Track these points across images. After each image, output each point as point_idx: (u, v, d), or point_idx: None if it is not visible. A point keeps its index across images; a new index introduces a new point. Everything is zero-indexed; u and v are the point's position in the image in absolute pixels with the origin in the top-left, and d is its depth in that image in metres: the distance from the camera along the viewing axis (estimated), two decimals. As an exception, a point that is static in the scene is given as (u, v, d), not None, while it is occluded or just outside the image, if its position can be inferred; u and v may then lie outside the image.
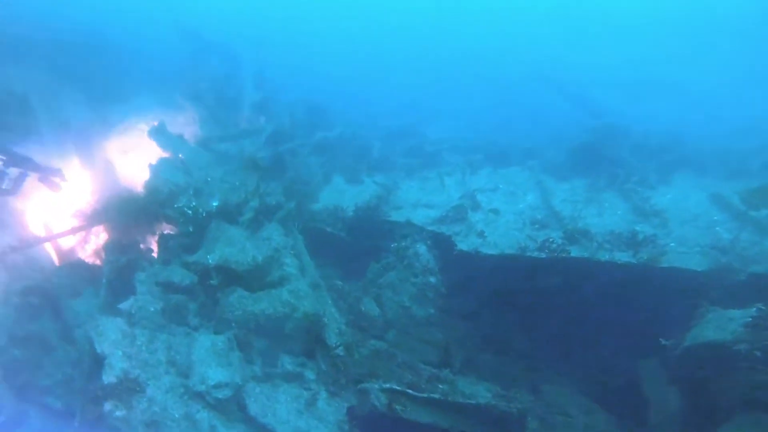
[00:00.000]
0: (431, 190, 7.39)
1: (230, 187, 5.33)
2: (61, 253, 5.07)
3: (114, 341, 3.26)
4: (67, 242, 5.13)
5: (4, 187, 4.49)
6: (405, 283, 5.15)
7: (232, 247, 4.41)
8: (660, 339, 3.90)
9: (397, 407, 3.53)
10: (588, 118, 12.08)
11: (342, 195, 7.27)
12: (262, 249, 4.51)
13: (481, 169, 8.21)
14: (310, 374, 4.03)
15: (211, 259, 4.17)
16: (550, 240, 4.85)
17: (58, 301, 4.51)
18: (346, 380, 4.17)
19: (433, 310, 4.90)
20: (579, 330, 5.20)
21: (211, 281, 3.97)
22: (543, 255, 4.68)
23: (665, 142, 8.80)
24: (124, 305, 3.69)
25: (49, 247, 5.13)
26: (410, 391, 3.62)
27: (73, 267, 4.80)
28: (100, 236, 5.17)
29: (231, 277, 4.18)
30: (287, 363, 4.01)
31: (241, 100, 9.79)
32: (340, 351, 4.27)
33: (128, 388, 2.86)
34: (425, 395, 3.73)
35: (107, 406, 2.73)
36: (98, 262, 5.08)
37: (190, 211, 4.99)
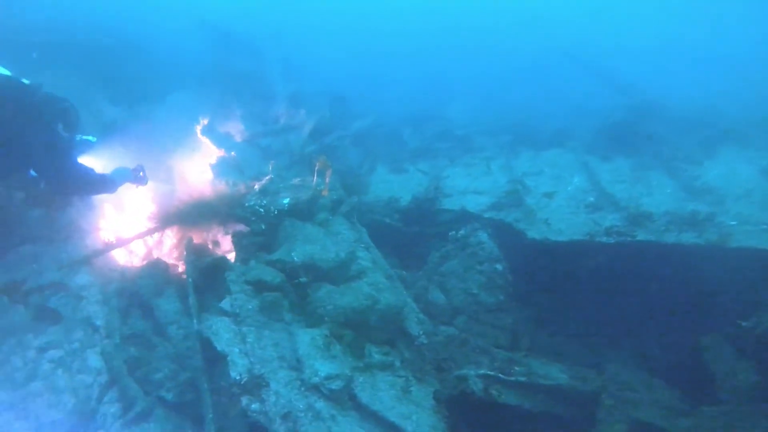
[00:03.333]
0: (477, 176, 7.47)
1: (296, 185, 5.48)
2: (139, 255, 5.29)
3: (228, 340, 3.46)
4: (144, 244, 5.35)
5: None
6: (470, 271, 5.30)
7: (312, 244, 4.58)
8: (738, 321, 4.02)
9: (493, 392, 3.72)
10: (618, 94, 11.98)
11: (389, 185, 7.40)
12: (341, 245, 4.69)
13: (522, 152, 8.26)
14: (396, 362, 4.23)
15: (297, 257, 4.35)
16: (615, 225, 4.97)
17: (145, 300, 4.73)
18: (429, 367, 4.39)
19: (503, 296, 5.06)
20: (642, 310, 5.34)
21: (301, 279, 4.16)
22: (611, 240, 4.80)
23: (704, 115, 8.74)
24: (224, 304, 3.89)
25: (126, 250, 5.36)
26: (501, 375, 3.81)
27: (153, 268, 5.01)
28: (173, 237, 5.37)
29: (317, 273, 4.36)
30: (374, 353, 4.21)
31: (275, 93, 9.88)
32: (423, 339, 4.47)
33: (256, 384, 3.07)
34: (513, 379, 3.92)
35: (244, 400, 2.94)
36: (176, 262, 5.28)
37: (262, 210, 5.17)
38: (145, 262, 5.16)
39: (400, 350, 4.49)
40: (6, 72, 4.20)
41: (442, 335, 4.69)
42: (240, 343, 3.52)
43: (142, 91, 9.40)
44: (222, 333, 3.56)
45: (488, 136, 10.93)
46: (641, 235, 4.73)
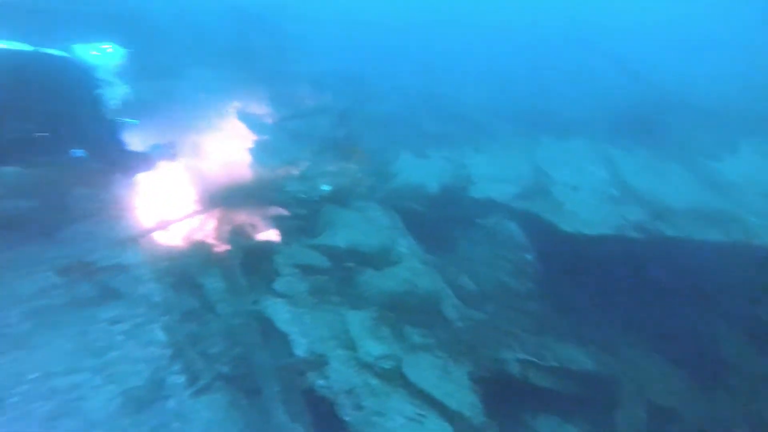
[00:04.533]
0: (500, 165, 7.67)
1: (333, 171, 5.69)
2: (183, 236, 5.53)
3: (287, 320, 3.74)
4: (186, 224, 5.58)
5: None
6: (500, 260, 5.55)
7: (354, 229, 4.82)
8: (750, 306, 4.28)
9: (530, 375, 4.02)
10: (635, 83, 12.02)
11: (414, 170, 7.58)
12: (382, 231, 4.93)
13: (544, 141, 8.42)
14: (434, 344, 4.53)
15: (341, 243, 4.59)
16: (642, 220, 5.20)
17: (193, 278, 4.98)
18: (464, 348, 4.69)
19: (532, 284, 5.33)
20: (660, 301, 5.61)
21: (347, 264, 4.41)
22: (641, 236, 5.04)
23: (725, 107, 8.87)
24: (276, 286, 4.15)
25: (170, 231, 5.59)
26: (536, 360, 4.10)
27: (198, 248, 5.24)
28: (215, 219, 5.60)
29: (361, 258, 4.61)
30: (414, 335, 4.50)
31: (298, 74, 9.95)
32: (459, 323, 4.76)
33: (318, 362, 3.35)
34: (546, 363, 4.22)
35: (311, 376, 3.22)
36: (219, 242, 5.52)
37: (303, 195, 5.39)
38: (189, 242, 5.40)
39: (437, 332, 4.78)
40: (62, 53, 4.36)
41: (474, 320, 4.97)
42: (298, 323, 3.79)
43: (163, 66, 9.46)
44: (280, 313, 3.83)
45: (505, 122, 11.07)
46: (669, 232, 4.96)
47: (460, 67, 16.78)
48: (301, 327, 3.77)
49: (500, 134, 9.51)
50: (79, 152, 4.81)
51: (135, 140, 5.53)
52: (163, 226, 5.48)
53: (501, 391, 4.37)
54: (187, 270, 5.07)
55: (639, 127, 8.66)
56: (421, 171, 7.58)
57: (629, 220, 5.33)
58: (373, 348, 3.79)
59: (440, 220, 6.49)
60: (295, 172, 5.63)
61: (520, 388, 4.32)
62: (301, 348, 3.52)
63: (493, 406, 4.18)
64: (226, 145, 7.03)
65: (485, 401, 4.15)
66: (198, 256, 5.19)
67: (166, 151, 5.41)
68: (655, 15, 18.33)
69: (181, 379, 3.80)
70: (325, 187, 5.23)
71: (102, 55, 4.81)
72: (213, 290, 4.89)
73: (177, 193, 5.94)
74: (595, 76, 13.23)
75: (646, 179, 6.69)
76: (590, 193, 6.46)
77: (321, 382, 3.25)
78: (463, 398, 3.94)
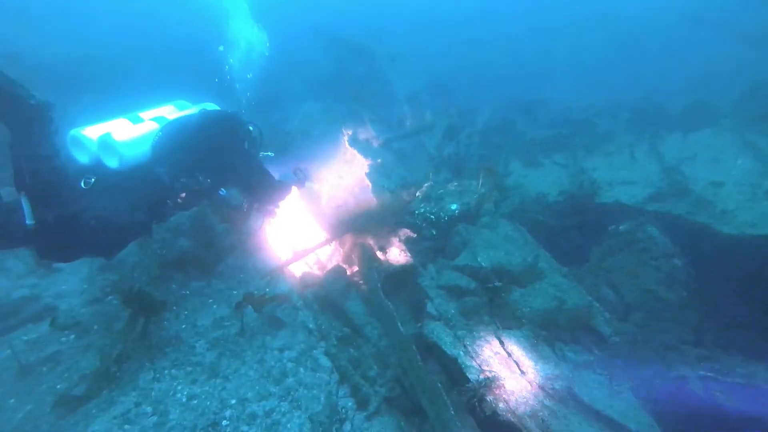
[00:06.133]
0: (621, 165, 7.25)
1: (457, 190, 5.73)
2: (320, 263, 5.83)
3: (451, 343, 3.79)
4: (321, 252, 5.87)
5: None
6: (644, 266, 5.22)
7: (495, 249, 4.80)
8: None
9: (717, 394, 3.72)
10: (755, 55, 10.84)
11: (528, 179, 7.41)
12: (524, 249, 4.87)
13: (666, 135, 7.83)
14: (591, 360, 4.34)
15: (484, 262, 4.59)
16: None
17: (337, 304, 5.21)
18: (624, 365, 4.45)
19: (686, 293, 4.94)
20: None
21: (496, 284, 4.39)
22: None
23: None
24: (429, 309, 4.23)
25: (307, 258, 5.90)
26: (725, 378, 3.78)
27: (336, 274, 5.48)
28: (346, 245, 5.84)
29: (507, 277, 4.57)
30: (566, 351, 4.35)
31: (395, 94, 10.21)
32: (615, 339, 4.54)
33: (494, 385, 3.36)
34: (731, 380, 3.87)
35: (490, 400, 3.24)
36: (353, 267, 5.75)
37: (432, 216, 5.48)
38: (327, 269, 5.71)
39: (589, 348, 4.59)
40: (214, 107, 4.85)
41: (628, 333, 4.71)
42: (460, 346, 3.84)
43: (265, 99, 10.15)
44: (443, 337, 3.90)
45: (608, 118, 10.49)
46: None
47: (549, 70, 16.23)
48: (464, 350, 3.81)
49: (610, 133, 9.02)
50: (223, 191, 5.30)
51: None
52: (304, 254, 5.83)
53: (681, 410, 4.08)
54: (328, 296, 5.34)
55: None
56: (534, 179, 7.39)
57: (799, 216, 4.76)
58: (540, 368, 3.73)
59: (569, 230, 6.26)
60: (419, 194, 5.73)
61: (702, 409, 4.00)
62: (475, 371, 3.55)
63: (672, 427, 3.92)
64: (344, 170, 7.38)
65: (661, 421, 3.91)
66: (336, 282, 5.44)
67: (295, 177, 5.76)
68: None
69: (349, 402, 4.00)
70: (454, 206, 5.27)
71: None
72: (355, 314, 5.10)
73: (310, 221, 6.32)
74: (707, 56, 12.11)
75: (803, 167, 5.96)
76: (734, 188, 5.89)
77: (503, 405, 3.25)
78: (641, 418, 3.73)
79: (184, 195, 4.12)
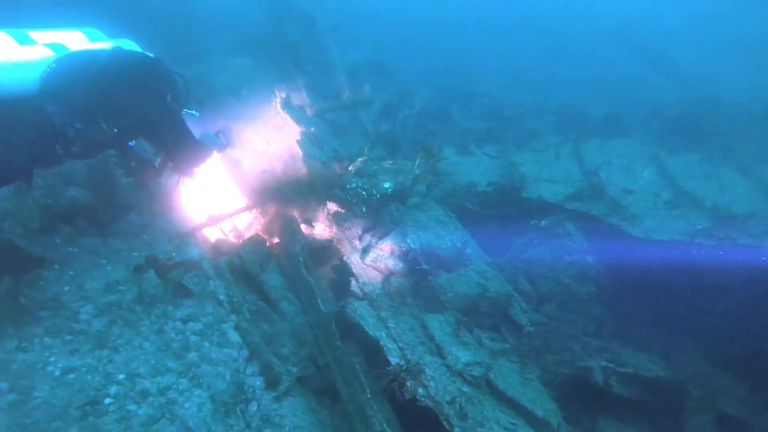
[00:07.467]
0: (546, 163, 7.54)
1: (392, 168, 5.54)
2: (238, 231, 5.40)
3: (374, 324, 3.63)
4: (240, 219, 5.44)
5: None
6: (560, 261, 5.45)
7: (425, 231, 4.70)
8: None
9: (613, 383, 3.95)
10: (673, 83, 11.87)
11: (459, 167, 7.45)
12: (452, 232, 4.82)
13: (587, 140, 8.27)
14: (507, 348, 4.44)
15: (413, 244, 4.48)
16: (707, 227, 5.11)
17: (252, 275, 4.86)
18: (534, 353, 4.61)
19: (594, 288, 5.24)
20: (716, 305, 5.53)
21: (424, 266, 4.29)
22: (712, 243, 4.94)
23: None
24: (353, 288, 4.03)
25: (224, 225, 5.45)
26: (620, 368, 4.02)
27: (254, 243, 5.11)
28: (269, 213, 5.46)
29: (435, 260, 4.50)
30: (483, 338, 4.41)
31: (333, 64, 9.74)
32: (530, 328, 4.67)
33: (415, 369, 3.25)
34: (624, 370, 4.14)
35: (410, 384, 3.12)
36: (274, 238, 5.38)
37: (364, 192, 5.25)
38: (245, 238, 5.26)
39: (504, 335, 4.69)
40: (134, 46, 4.17)
41: (541, 324, 4.89)
42: (383, 327, 3.68)
43: (198, 52, 9.19)
44: (366, 317, 3.72)
45: (535, 117, 10.94)
46: (742, 239, 4.87)
47: (486, 66, 16.55)
48: (386, 332, 3.66)
49: (538, 132, 9.38)
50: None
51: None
52: (219, 219, 5.33)
53: (580, 397, 4.30)
54: (244, 266, 4.93)
55: (682, 130, 8.56)
56: (465, 167, 7.45)
57: (695, 226, 5.23)
58: (461, 355, 3.69)
59: (494, 220, 6.37)
60: (352, 168, 5.47)
61: (600, 396, 4.25)
62: (396, 354, 3.41)
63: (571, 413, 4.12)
64: (273, 135, 6.86)
65: (563, 407, 4.09)
66: (253, 252, 5.04)
67: (217, 140, 5.23)
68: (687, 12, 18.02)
69: (257, 381, 3.70)
70: (387, 185, 5.09)
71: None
72: (272, 287, 4.77)
73: (230, 185, 5.79)
74: (628, 76, 13.08)
75: (696, 183, 6.58)
76: (641, 195, 6.36)
77: (422, 390, 3.15)
78: (546, 405, 3.87)
79: (79, 144, 3.51)
